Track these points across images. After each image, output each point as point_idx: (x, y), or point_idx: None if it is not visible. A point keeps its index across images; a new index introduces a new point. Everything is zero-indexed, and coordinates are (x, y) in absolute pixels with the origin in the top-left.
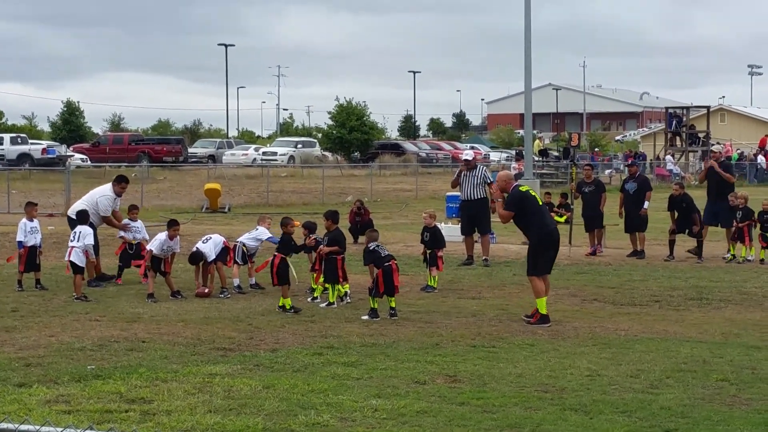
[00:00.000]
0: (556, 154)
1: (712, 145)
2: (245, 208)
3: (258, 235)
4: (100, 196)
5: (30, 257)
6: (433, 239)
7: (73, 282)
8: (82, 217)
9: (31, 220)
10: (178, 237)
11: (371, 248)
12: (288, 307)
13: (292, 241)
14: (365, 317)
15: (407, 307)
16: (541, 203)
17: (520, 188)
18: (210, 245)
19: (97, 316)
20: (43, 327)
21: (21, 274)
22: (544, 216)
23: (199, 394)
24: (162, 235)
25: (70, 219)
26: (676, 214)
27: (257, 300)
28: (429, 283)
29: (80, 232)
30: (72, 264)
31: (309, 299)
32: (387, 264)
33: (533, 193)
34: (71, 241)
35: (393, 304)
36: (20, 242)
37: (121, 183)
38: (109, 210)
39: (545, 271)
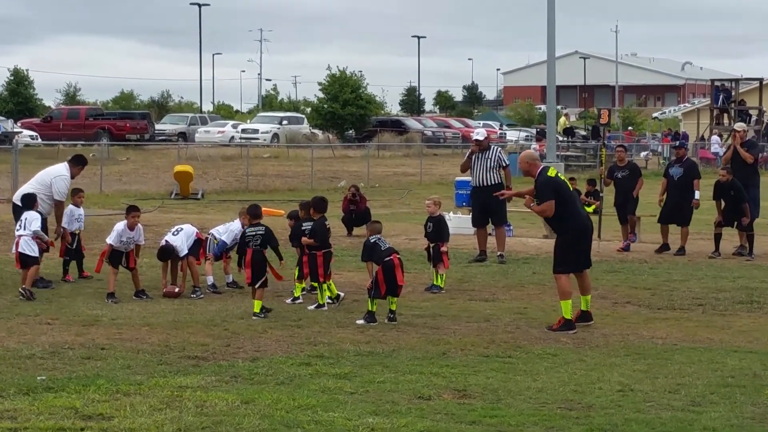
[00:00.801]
0: (583, 133)
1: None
2: (221, 194)
3: (235, 230)
4: (55, 176)
5: None
6: (436, 231)
7: (22, 276)
8: (28, 201)
9: None
10: (140, 226)
11: (372, 242)
12: (257, 310)
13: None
14: (361, 321)
15: (409, 311)
16: (572, 189)
17: (548, 172)
18: (181, 237)
19: (49, 318)
20: None
21: None
22: (575, 206)
23: (167, 409)
24: (120, 225)
25: (15, 206)
26: (723, 203)
27: (234, 301)
28: (435, 283)
29: (26, 219)
30: (22, 255)
31: (288, 300)
32: (388, 258)
33: (562, 177)
34: (17, 230)
35: (393, 307)
36: None
37: (79, 165)
38: (65, 194)
39: (576, 268)
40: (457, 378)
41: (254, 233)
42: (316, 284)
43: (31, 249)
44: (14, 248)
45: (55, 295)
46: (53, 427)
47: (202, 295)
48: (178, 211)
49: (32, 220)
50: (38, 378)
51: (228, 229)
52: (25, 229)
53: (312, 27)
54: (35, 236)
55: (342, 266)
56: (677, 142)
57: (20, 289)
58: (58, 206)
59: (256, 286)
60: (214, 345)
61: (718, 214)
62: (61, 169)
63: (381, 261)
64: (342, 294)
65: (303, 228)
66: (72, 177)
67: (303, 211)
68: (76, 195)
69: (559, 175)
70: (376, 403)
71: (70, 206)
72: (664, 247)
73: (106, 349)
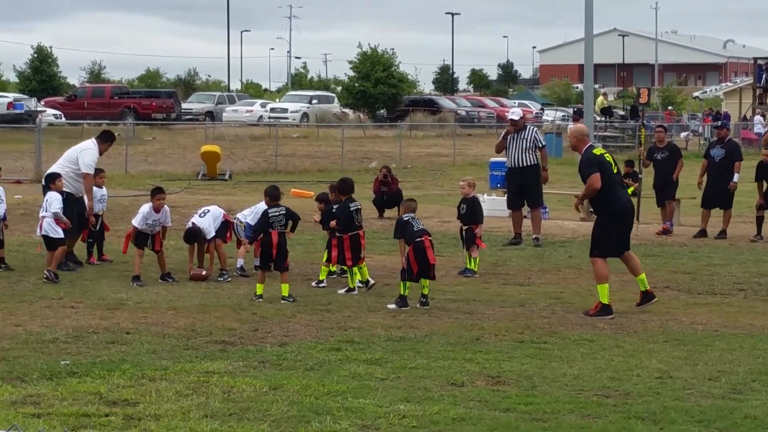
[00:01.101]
0: (621, 113)
1: None
2: (249, 175)
3: (261, 211)
4: (82, 150)
5: None
6: (470, 213)
7: (47, 258)
8: (49, 180)
9: None
10: (166, 208)
11: (405, 219)
12: (286, 294)
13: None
14: (392, 306)
15: (442, 295)
16: (616, 170)
17: (594, 151)
18: (208, 219)
19: (73, 302)
20: (8, 315)
21: None
22: (617, 188)
23: (193, 395)
24: (146, 207)
25: (44, 187)
26: (765, 185)
27: (264, 286)
28: (468, 266)
29: (46, 200)
30: (46, 238)
31: (314, 283)
32: (419, 239)
33: (609, 158)
34: (42, 211)
35: (426, 291)
36: None
37: (107, 141)
38: (92, 167)
39: (615, 252)
40: (490, 364)
41: (277, 213)
42: (345, 268)
43: (54, 231)
44: (38, 230)
45: (78, 278)
46: (77, 413)
47: (229, 278)
48: (205, 193)
49: (52, 201)
50: (62, 362)
51: (254, 212)
52: (46, 210)
53: (343, 3)
54: (55, 218)
55: (373, 249)
56: (719, 122)
57: (45, 271)
58: (86, 179)
59: (281, 269)
60: (242, 329)
61: (760, 197)
62: (89, 143)
63: (412, 241)
64: (372, 281)
65: (333, 210)
66: (100, 153)
67: (333, 193)
68: (97, 175)
69: (605, 155)
70: (408, 389)
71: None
72: (702, 233)
73: (131, 334)
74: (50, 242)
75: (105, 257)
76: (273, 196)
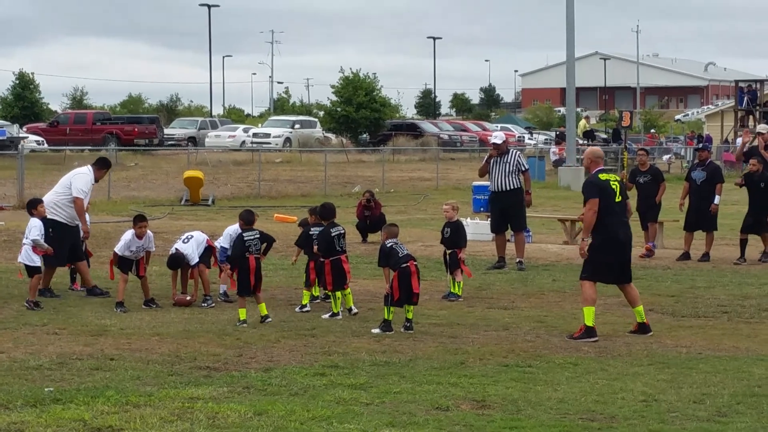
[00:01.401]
0: (604, 136)
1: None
2: (232, 200)
3: (232, 233)
4: (76, 174)
5: None
6: (454, 236)
7: (30, 284)
8: (32, 206)
9: None
10: (149, 233)
11: (388, 246)
12: (265, 312)
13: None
14: (376, 330)
15: (426, 319)
16: (619, 200)
17: (600, 176)
18: (191, 245)
19: (56, 328)
20: None
21: None
22: (614, 216)
23: (178, 421)
24: (128, 234)
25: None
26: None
27: (247, 310)
28: (452, 290)
29: (27, 227)
30: (25, 266)
31: (297, 309)
32: (404, 265)
33: (614, 186)
34: (24, 238)
35: (410, 315)
36: None
37: (103, 168)
38: (83, 191)
39: (605, 279)
40: (475, 388)
41: (252, 237)
42: (329, 292)
43: (30, 259)
44: (19, 257)
45: (62, 304)
46: None
47: (213, 304)
48: (188, 218)
49: (32, 227)
50: (46, 389)
51: (227, 234)
52: (26, 237)
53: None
54: (33, 245)
55: (357, 273)
56: (700, 145)
57: (25, 302)
58: (76, 203)
59: (258, 291)
60: (226, 355)
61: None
62: (84, 169)
63: (398, 267)
64: (356, 310)
65: (311, 233)
66: (96, 180)
67: (312, 216)
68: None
69: (611, 182)
70: (393, 414)
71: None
72: (685, 256)
73: (115, 360)
74: (28, 270)
75: (76, 286)
76: (248, 220)
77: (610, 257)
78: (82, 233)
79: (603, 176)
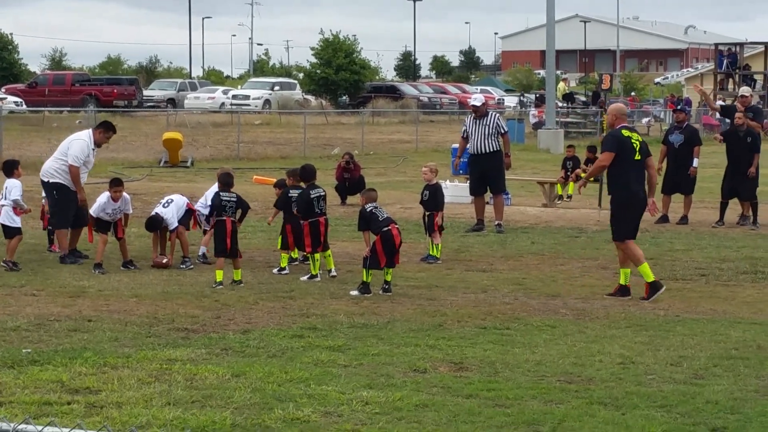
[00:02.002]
0: (583, 99)
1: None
2: (211, 162)
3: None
4: (73, 140)
5: None
6: (432, 199)
7: (6, 247)
8: (8, 168)
9: None
10: (126, 196)
11: (368, 210)
12: (239, 278)
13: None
14: (354, 293)
15: (405, 281)
16: (638, 158)
17: (623, 131)
18: (172, 209)
19: (34, 289)
20: None
21: None
22: (630, 174)
23: (155, 383)
24: (103, 197)
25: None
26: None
27: (225, 272)
28: (431, 253)
29: (6, 188)
30: (4, 227)
31: (275, 270)
32: (386, 228)
33: (635, 144)
34: (1, 199)
35: (389, 278)
36: None
37: (104, 130)
38: (81, 159)
39: (633, 234)
40: (453, 350)
41: (229, 199)
42: (307, 254)
43: (11, 219)
44: None
45: (40, 265)
46: (39, 401)
47: (191, 266)
48: (167, 180)
49: (12, 188)
50: (23, 351)
51: (206, 198)
52: (5, 198)
53: None
54: (14, 205)
55: (336, 236)
56: (673, 107)
57: (2, 262)
58: (70, 170)
59: (234, 256)
60: (204, 317)
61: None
62: (83, 134)
63: (379, 231)
64: (335, 273)
65: (290, 195)
66: (97, 144)
67: (290, 178)
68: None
69: (633, 138)
70: (371, 376)
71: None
72: (664, 219)
73: (93, 321)
74: (7, 231)
75: (54, 248)
76: (226, 182)
77: (635, 213)
78: (81, 203)
79: (626, 132)
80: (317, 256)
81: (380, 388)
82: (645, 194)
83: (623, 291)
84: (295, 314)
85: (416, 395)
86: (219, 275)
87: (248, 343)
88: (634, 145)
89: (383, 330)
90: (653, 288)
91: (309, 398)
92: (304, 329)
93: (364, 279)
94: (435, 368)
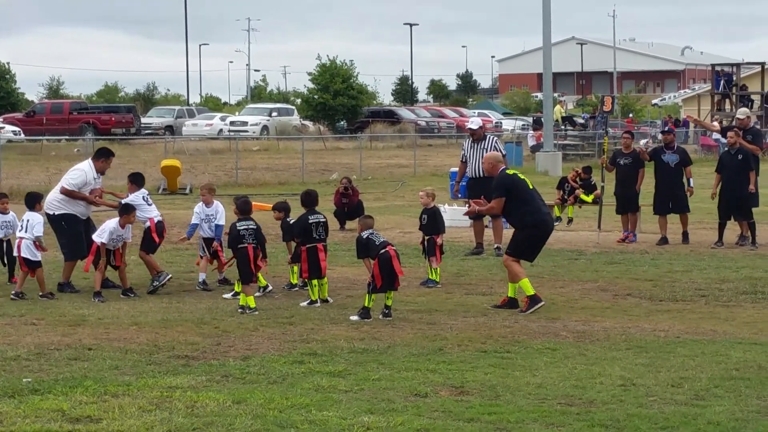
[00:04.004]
0: (581, 121)
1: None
2: None
3: (198, 211)
4: (72, 170)
5: None
6: (431, 223)
7: (37, 279)
8: (31, 201)
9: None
10: (129, 224)
11: (365, 237)
12: (254, 305)
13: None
14: (354, 318)
15: (405, 306)
16: (531, 187)
17: (508, 171)
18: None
19: (34, 318)
20: None
21: None
22: (535, 201)
23: (156, 410)
24: (112, 223)
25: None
26: (722, 177)
27: (225, 299)
28: (430, 277)
29: (28, 221)
30: (25, 260)
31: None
32: (383, 251)
33: (522, 177)
34: (19, 231)
35: (389, 302)
36: None
37: (103, 158)
38: (73, 185)
39: (528, 258)
40: (454, 374)
41: (247, 227)
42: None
43: (32, 254)
44: (16, 250)
45: (36, 294)
46: (40, 430)
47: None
48: (166, 207)
49: (35, 223)
50: (24, 380)
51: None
52: (26, 231)
53: (301, 15)
54: (36, 241)
55: (335, 260)
56: (665, 128)
57: (40, 295)
58: (63, 192)
59: (249, 281)
60: (205, 344)
61: (715, 188)
62: (83, 165)
63: (377, 253)
64: (331, 300)
65: (290, 222)
66: (100, 171)
67: (278, 212)
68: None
69: (518, 174)
70: (372, 401)
71: None
72: (664, 240)
73: (94, 350)
74: (29, 264)
75: (14, 279)
76: (243, 210)
77: (536, 240)
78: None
79: (510, 171)
80: (315, 282)
81: (381, 413)
82: (551, 218)
83: (511, 303)
84: (295, 340)
85: (417, 420)
86: (251, 302)
87: (249, 369)
88: (522, 176)
89: (384, 355)
90: (533, 300)
91: (310, 424)
92: (304, 355)
93: (366, 304)
94: (436, 392)
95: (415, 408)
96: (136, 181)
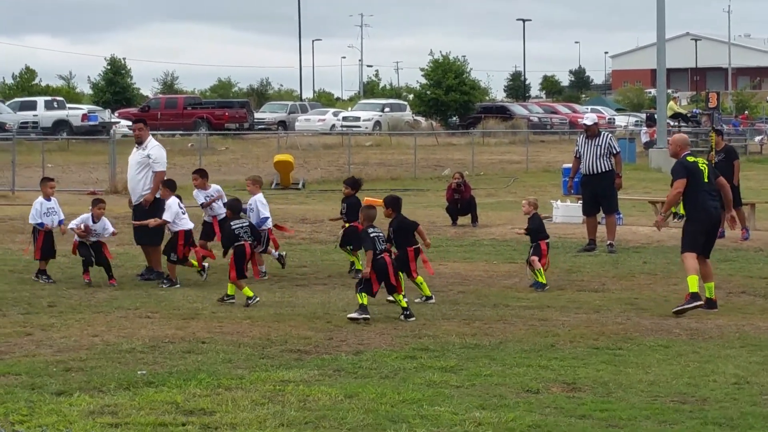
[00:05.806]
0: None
1: None
2: (322, 183)
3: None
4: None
5: (47, 242)
6: (534, 231)
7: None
8: (171, 186)
9: (48, 199)
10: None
11: (371, 235)
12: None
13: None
14: (353, 315)
15: (516, 302)
16: (706, 180)
17: (688, 158)
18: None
19: (149, 312)
20: (86, 325)
21: (43, 263)
22: (704, 195)
23: (269, 404)
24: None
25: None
26: None
27: (337, 293)
28: (537, 279)
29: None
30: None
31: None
32: (379, 258)
33: (702, 167)
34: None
35: (404, 304)
36: (41, 223)
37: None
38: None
39: (697, 250)
40: (566, 371)
41: (241, 225)
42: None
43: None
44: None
45: (153, 287)
46: (154, 423)
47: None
48: (279, 202)
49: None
50: (138, 372)
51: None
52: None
53: (414, 11)
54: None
55: (447, 256)
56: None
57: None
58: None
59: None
60: (317, 338)
61: None
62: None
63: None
64: (433, 300)
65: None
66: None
67: (347, 188)
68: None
69: (699, 163)
70: (483, 396)
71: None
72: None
73: (207, 343)
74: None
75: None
76: (235, 209)
77: (703, 233)
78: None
79: (691, 158)
80: (419, 279)
81: (493, 409)
82: (716, 210)
83: (710, 304)
84: (406, 335)
85: (529, 416)
86: (248, 291)
87: (360, 364)
88: (702, 167)
89: (495, 351)
90: (693, 297)
91: (422, 419)
92: (416, 350)
93: (360, 302)
94: (547, 389)
95: (527, 404)
96: (170, 186)
